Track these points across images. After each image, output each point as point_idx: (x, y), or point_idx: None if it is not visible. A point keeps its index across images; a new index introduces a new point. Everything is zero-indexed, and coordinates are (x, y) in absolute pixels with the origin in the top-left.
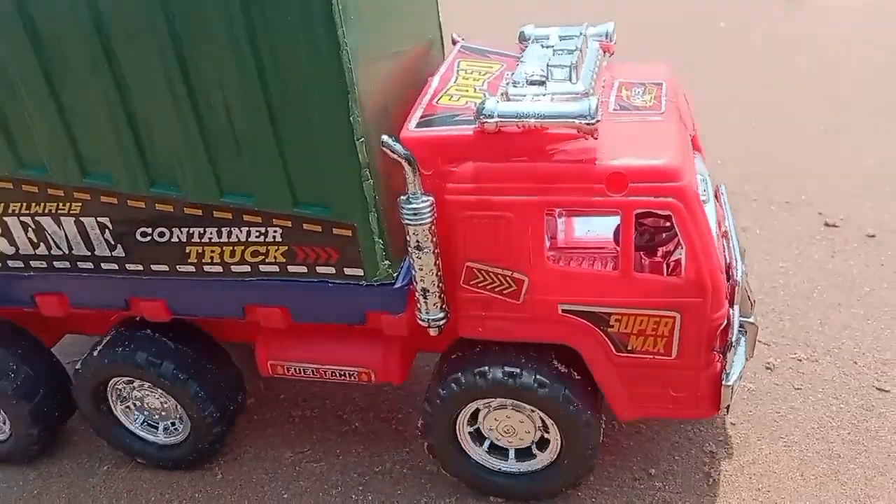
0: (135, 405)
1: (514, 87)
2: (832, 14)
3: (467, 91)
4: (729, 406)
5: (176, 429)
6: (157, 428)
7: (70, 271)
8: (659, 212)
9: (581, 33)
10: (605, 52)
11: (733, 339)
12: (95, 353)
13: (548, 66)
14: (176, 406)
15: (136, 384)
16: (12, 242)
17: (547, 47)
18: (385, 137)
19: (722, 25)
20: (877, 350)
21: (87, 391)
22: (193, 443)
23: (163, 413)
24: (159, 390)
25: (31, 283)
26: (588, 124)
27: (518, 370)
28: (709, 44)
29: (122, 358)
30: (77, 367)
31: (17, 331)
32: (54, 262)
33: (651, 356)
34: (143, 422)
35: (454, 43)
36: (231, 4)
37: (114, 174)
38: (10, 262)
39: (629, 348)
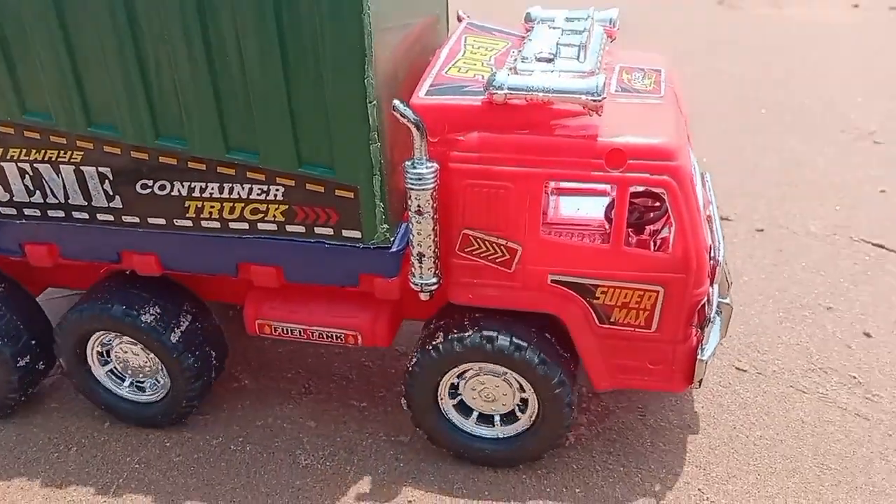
0: (117, 364)
1: (523, 62)
2: (764, 20)
3: (475, 65)
4: (701, 381)
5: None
6: (138, 387)
7: (63, 220)
8: (653, 189)
9: (589, 16)
10: (608, 37)
11: (711, 315)
12: (75, 308)
13: (557, 44)
14: (157, 364)
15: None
16: (7, 189)
17: (554, 28)
18: (396, 102)
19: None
20: (743, 334)
21: (69, 346)
22: (171, 401)
23: (145, 371)
24: (139, 346)
25: (21, 232)
26: (594, 101)
27: (494, 334)
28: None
29: (101, 311)
30: (58, 322)
31: (2, 277)
32: (48, 211)
33: (632, 328)
34: (129, 382)
35: (459, 20)
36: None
37: (120, 124)
38: (1, 210)
39: (612, 320)
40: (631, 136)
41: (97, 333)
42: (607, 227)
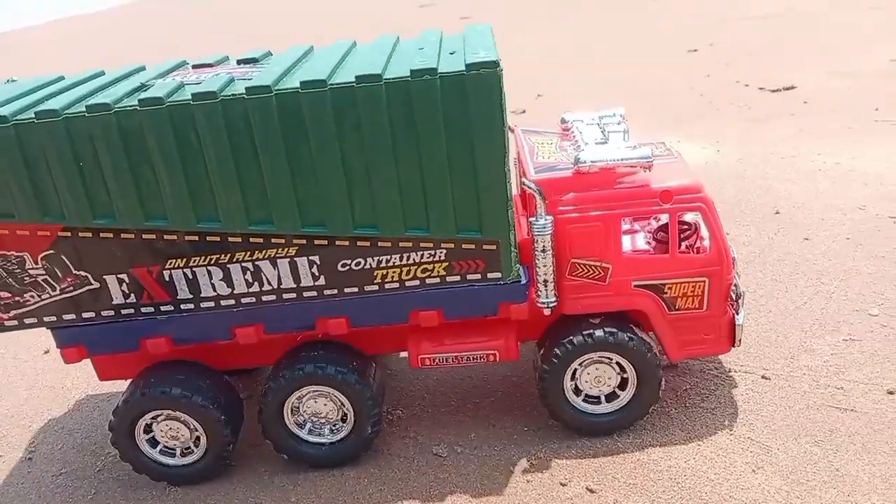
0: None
1: (588, 145)
2: (671, 10)
3: (550, 153)
4: (740, 341)
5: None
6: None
7: (274, 303)
8: (691, 213)
9: (614, 113)
10: None
11: (740, 292)
12: (279, 377)
13: (606, 132)
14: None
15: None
16: (230, 284)
17: (591, 124)
18: (524, 179)
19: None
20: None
21: (275, 409)
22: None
23: (329, 417)
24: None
25: (234, 318)
26: (648, 161)
27: (614, 330)
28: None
29: (315, 370)
30: (263, 392)
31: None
32: (262, 297)
33: (690, 311)
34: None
35: (512, 130)
36: (437, 116)
37: (329, 222)
38: (222, 302)
39: (676, 307)
40: (671, 181)
41: (297, 393)
42: (651, 244)
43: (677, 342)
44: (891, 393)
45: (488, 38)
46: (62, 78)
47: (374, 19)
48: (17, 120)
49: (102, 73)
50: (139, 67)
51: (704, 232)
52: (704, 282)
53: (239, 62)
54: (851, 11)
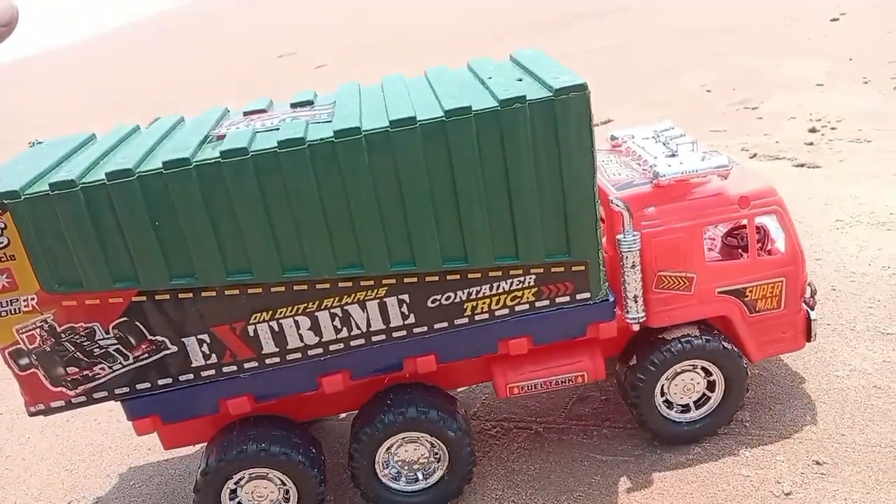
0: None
1: (657, 159)
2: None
3: (617, 170)
4: (815, 335)
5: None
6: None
7: (362, 347)
8: (767, 216)
9: (672, 126)
10: None
11: (814, 288)
12: (373, 423)
13: (675, 144)
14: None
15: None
16: (318, 333)
17: (645, 139)
18: (612, 198)
19: None
20: None
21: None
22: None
23: (420, 462)
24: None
25: (319, 367)
26: (726, 170)
27: (709, 336)
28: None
29: (418, 414)
30: (355, 440)
31: (282, 417)
32: (351, 342)
33: (769, 312)
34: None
35: None
36: (526, 143)
37: (419, 258)
38: (309, 352)
39: (756, 309)
40: (745, 186)
41: (389, 441)
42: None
43: (757, 343)
44: None
45: (553, 62)
46: (94, 137)
47: (237, 74)
48: (84, 183)
49: (138, 129)
50: (179, 119)
51: (774, 234)
52: (782, 282)
53: (293, 105)
54: (663, 45)
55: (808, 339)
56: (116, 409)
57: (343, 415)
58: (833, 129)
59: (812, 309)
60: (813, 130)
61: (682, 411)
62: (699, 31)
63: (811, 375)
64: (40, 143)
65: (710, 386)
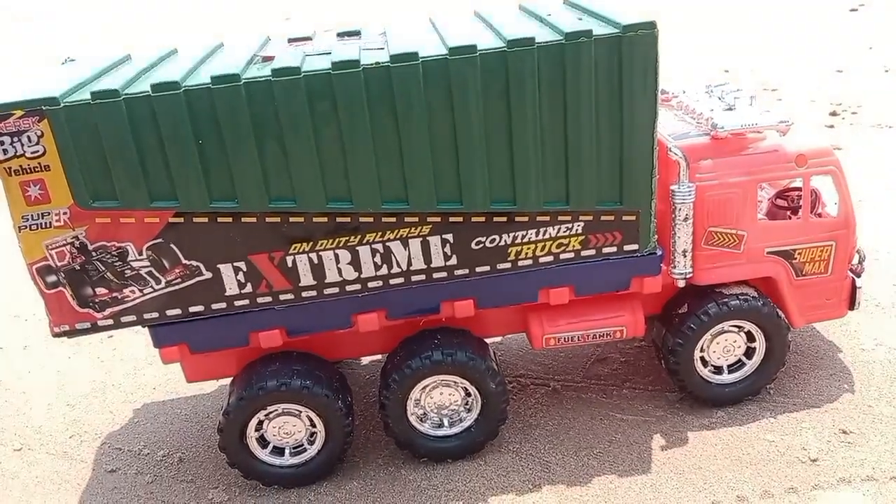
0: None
1: (713, 111)
2: None
3: (673, 123)
4: (860, 303)
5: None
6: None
7: (402, 286)
8: (823, 176)
9: (727, 82)
10: None
11: (863, 255)
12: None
13: (733, 98)
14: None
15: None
16: (357, 268)
17: (703, 92)
18: (671, 146)
19: None
20: None
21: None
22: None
23: (452, 408)
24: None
25: (355, 304)
26: (787, 125)
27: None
28: None
29: (469, 359)
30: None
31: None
32: (390, 280)
33: (816, 276)
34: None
35: None
36: (588, 81)
37: (467, 197)
38: (347, 287)
39: (803, 273)
40: (804, 145)
41: (428, 380)
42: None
43: (800, 308)
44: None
45: (614, 4)
46: (129, 57)
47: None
48: (128, 94)
49: (176, 52)
50: (219, 44)
51: (826, 197)
52: (832, 246)
53: (339, 35)
54: (684, 25)
55: (852, 307)
56: (120, 347)
57: (365, 360)
58: (854, 113)
59: (858, 276)
60: (834, 114)
61: (713, 372)
62: (720, 15)
63: (835, 348)
64: (73, 60)
65: (748, 353)
